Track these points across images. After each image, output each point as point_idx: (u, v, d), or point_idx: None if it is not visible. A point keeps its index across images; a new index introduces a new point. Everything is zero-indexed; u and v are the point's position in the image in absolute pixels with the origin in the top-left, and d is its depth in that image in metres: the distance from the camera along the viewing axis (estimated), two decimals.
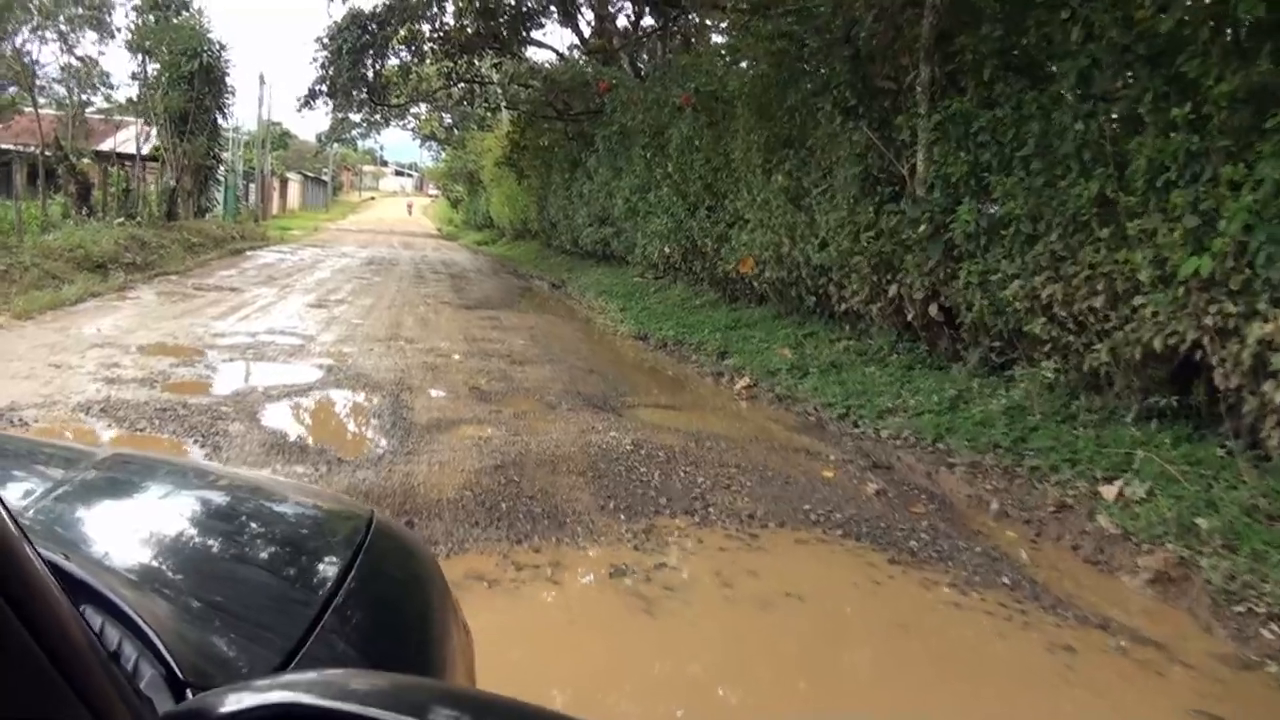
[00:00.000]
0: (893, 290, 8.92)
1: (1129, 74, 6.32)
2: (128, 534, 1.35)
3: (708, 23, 18.45)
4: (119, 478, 1.61)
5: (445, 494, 5.05)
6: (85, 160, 23.50)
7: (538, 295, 18.74)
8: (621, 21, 23.98)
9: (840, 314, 10.18)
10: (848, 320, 10.16)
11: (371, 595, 1.35)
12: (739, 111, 11.89)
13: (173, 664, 0.91)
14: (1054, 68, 7.11)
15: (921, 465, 6.35)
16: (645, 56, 23.75)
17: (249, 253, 24.39)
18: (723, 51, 12.87)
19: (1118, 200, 6.22)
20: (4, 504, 0.70)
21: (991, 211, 7.43)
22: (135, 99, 27.52)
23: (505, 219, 34.88)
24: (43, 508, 1.33)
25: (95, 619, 0.93)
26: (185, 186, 27.74)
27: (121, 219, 22.17)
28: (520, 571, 4.15)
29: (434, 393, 7.82)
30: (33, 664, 0.68)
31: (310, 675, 0.95)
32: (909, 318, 8.94)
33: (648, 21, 24.77)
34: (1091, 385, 6.93)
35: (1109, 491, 5.56)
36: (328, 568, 1.36)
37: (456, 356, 9.72)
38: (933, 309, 8.68)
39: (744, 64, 12.06)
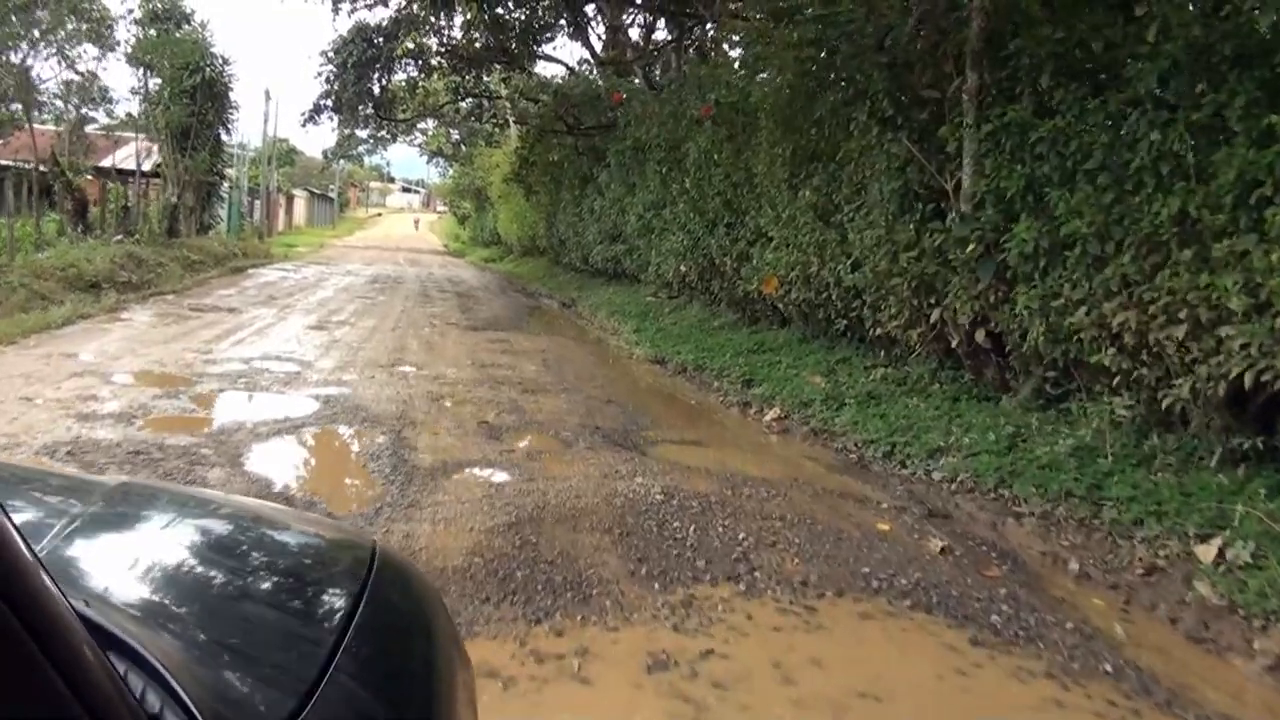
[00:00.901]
0: (935, 315, 8.24)
1: (1212, 78, 5.67)
2: (140, 571, 1.33)
3: (727, 34, 17.84)
4: (128, 512, 1.60)
5: (451, 560, 4.37)
6: (82, 176, 22.90)
7: (548, 315, 18.10)
8: (635, 34, 23.36)
9: (874, 339, 9.50)
10: (882, 345, 9.49)
11: (380, 630, 1.35)
12: (762, 124, 11.25)
13: (195, 713, 0.90)
14: (1121, 72, 6.46)
15: (984, 515, 5.67)
16: (658, 70, 23.18)
17: (251, 271, 23.77)
18: (746, 60, 12.20)
19: (1201, 219, 5.55)
20: (42, 563, 0.71)
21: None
22: (134, 114, 26.99)
23: (513, 235, 34.28)
24: (56, 547, 1.31)
25: (119, 665, 0.89)
26: (187, 203, 27.19)
27: (119, 236, 21.62)
28: (541, 665, 3.46)
29: (439, 428, 7.14)
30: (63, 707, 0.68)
31: None
32: (953, 344, 8.27)
33: (661, 35, 24.26)
34: (1164, 423, 6.26)
35: (1205, 552, 4.87)
36: (336, 603, 1.37)
37: (464, 385, 9.07)
38: (980, 335, 8.00)
39: (766, 74, 11.41)
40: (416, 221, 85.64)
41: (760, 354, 10.77)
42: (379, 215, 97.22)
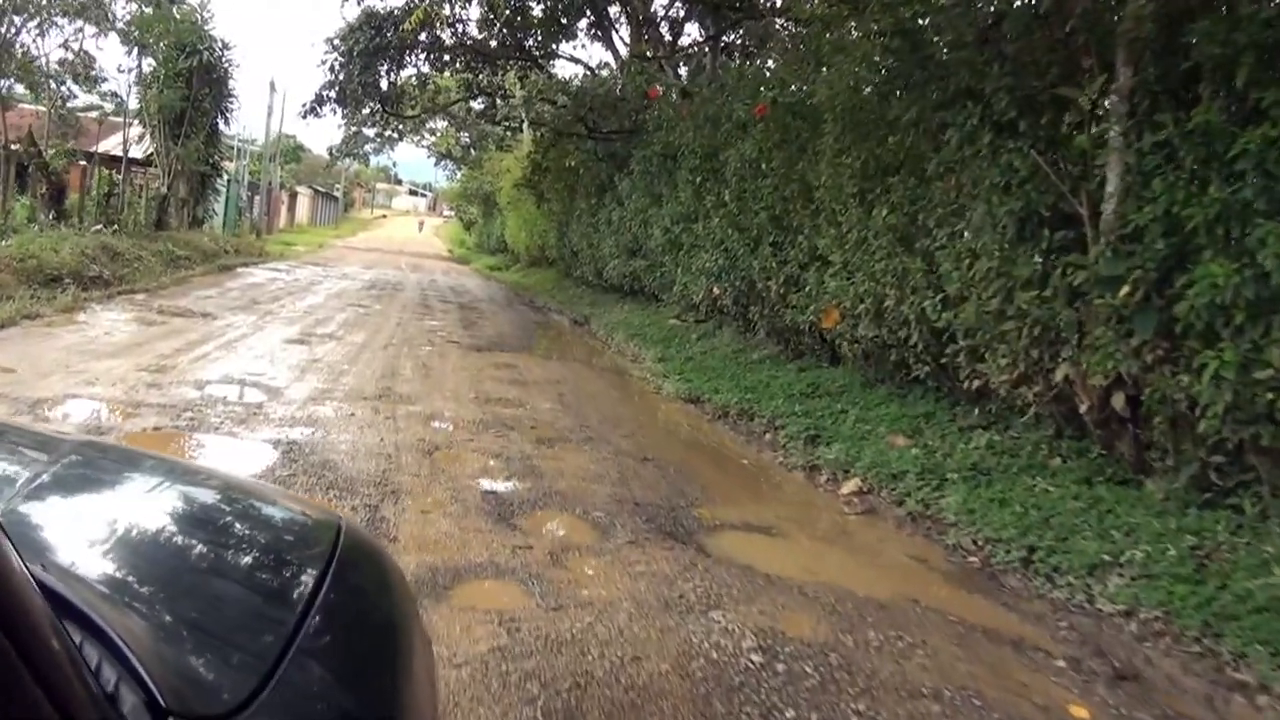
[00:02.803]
0: (1061, 371, 6.56)
1: None
2: (100, 540, 1.31)
3: (786, 23, 16.20)
4: (89, 475, 1.57)
5: None
6: (60, 158, 21.21)
7: (559, 334, 16.39)
8: (664, 32, 21.67)
9: (967, 392, 7.81)
10: (976, 400, 7.80)
11: (343, 610, 1.34)
12: (826, 128, 9.56)
13: (154, 690, 0.88)
14: None
15: (1192, 681, 3.96)
16: (686, 72, 21.53)
17: (240, 270, 22.09)
18: (809, 54, 10.53)
19: None
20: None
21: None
22: (116, 93, 25.37)
23: (521, 244, 32.61)
24: (13, 509, 1.28)
25: (75, 635, 0.88)
26: (179, 194, 25.60)
27: (99, 226, 19.98)
28: None
29: (431, 502, 5.36)
30: (26, 695, 0.67)
31: None
32: (1080, 409, 6.58)
33: (687, 38, 22.60)
34: None
35: None
36: (300, 580, 1.36)
37: (465, 429, 7.36)
38: (1117, 400, 6.32)
39: (833, 71, 9.72)
40: (421, 224, 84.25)
41: (816, 399, 9.08)
42: (384, 217, 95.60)
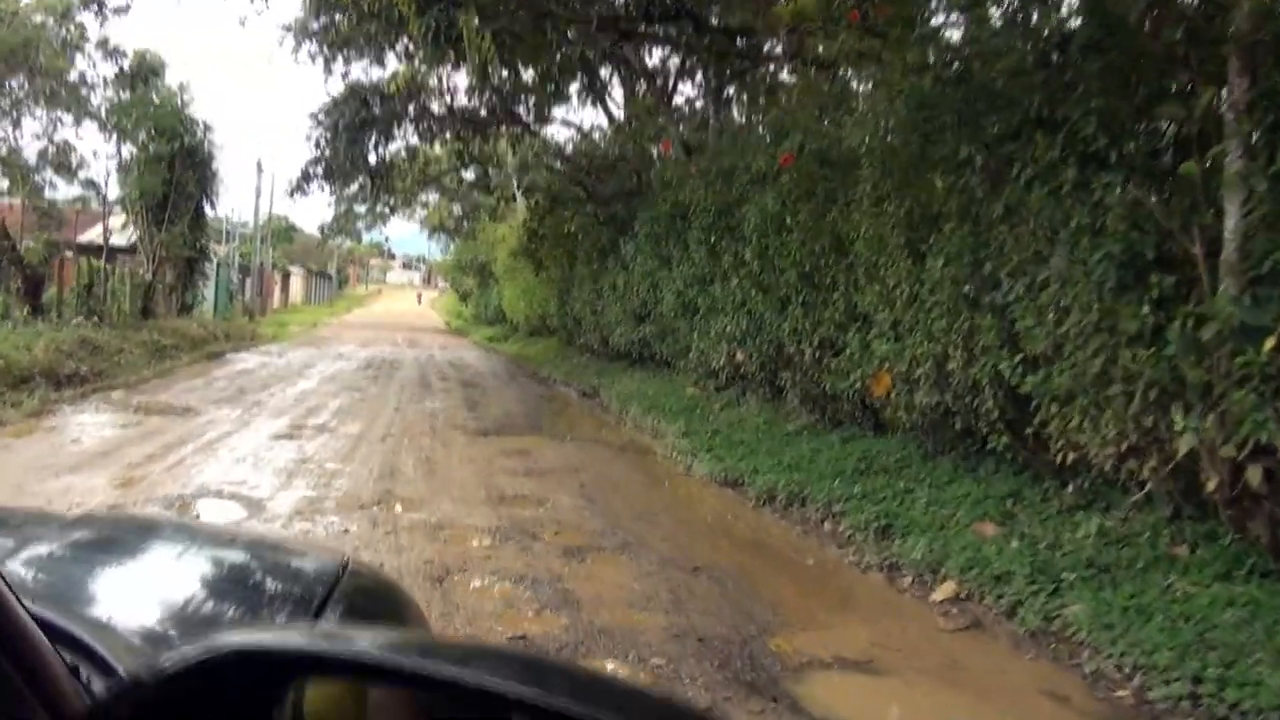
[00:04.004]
0: (1184, 442, 5.50)
1: None
2: (101, 586, 1.34)
3: (789, 76, 15.34)
4: (93, 535, 1.60)
5: None
6: (35, 251, 20.30)
7: (569, 409, 15.34)
8: (663, 90, 20.85)
9: (1054, 465, 6.75)
10: (1064, 474, 6.74)
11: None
12: (864, 174, 8.60)
13: (109, 661, 0.90)
14: None
15: None
16: (683, 129, 20.69)
17: (229, 356, 21.08)
18: (839, 94, 9.62)
19: None
20: None
21: None
22: (94, 180, 24.62)
23: (519, 314, 31.62)
24: (12, 564, 1.28)
25: (68, 656, 0.88)
26: (166, 281, 24.69)
27: (80, 318, 19.01)
28: None
29: None
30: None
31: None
32: (1209, 485, 5.52)
33: (681, 95, 21.79)
34: None
35: None
36: (304, 605, 1.35)
37: (478, 541, 6.27)
38: (1254, 475, 5.26)
39: (866, 110, 8.79)
40: (419, 296, 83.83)
41: (872, 477, 8.01)
42: (379, 292, 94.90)
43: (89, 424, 10.53)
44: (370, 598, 1.54)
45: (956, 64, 7.60)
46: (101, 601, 1.27)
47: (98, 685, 0.87)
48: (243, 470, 8.20)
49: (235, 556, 1.65)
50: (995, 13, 7.58)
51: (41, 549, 1.42)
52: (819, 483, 8.01)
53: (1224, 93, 5.47)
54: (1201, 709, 4.03)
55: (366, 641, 0.90)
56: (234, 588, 1.48)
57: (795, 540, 6.96)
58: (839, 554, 6.50)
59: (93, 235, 27.03)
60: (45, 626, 0.84)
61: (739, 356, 12.07)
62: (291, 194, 23.50)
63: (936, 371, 7.59)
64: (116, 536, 1.67)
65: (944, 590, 5.57)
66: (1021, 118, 6.74)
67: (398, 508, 7.10)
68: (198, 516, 6.53)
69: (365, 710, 0.89)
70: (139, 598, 1.30)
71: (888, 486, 7.61)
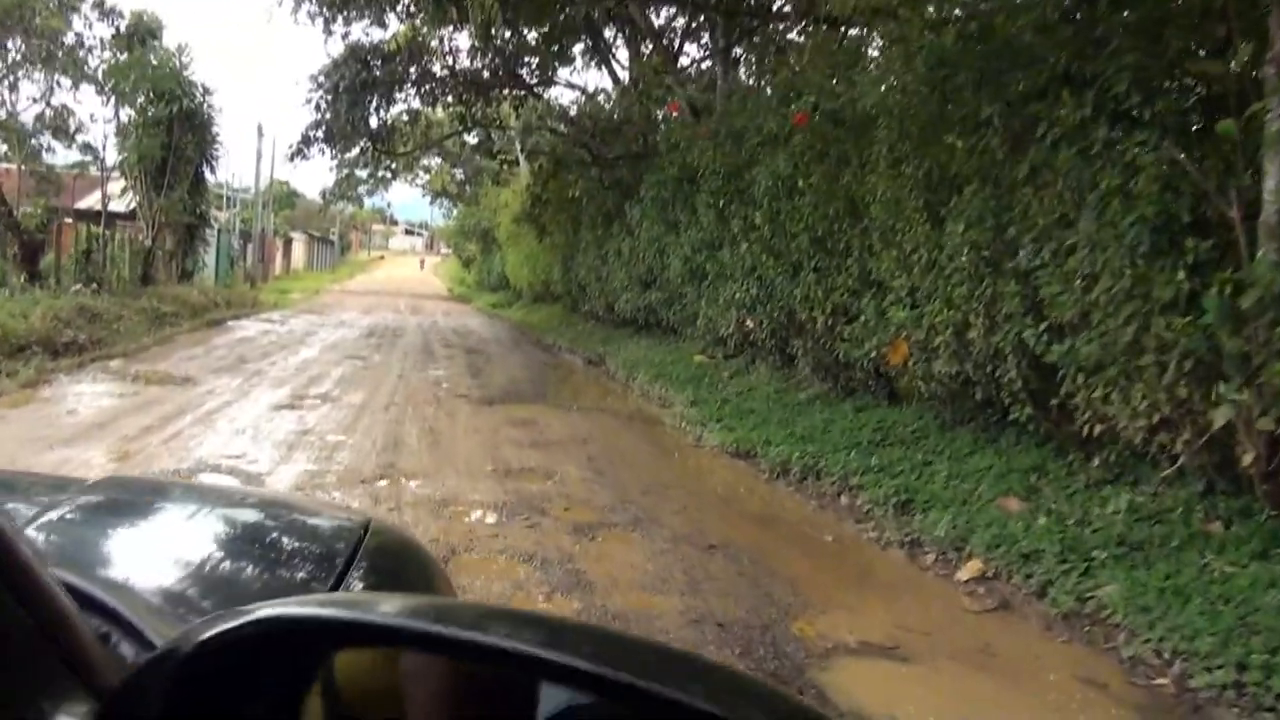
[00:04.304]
0: (1220, 414, 5.26)
1: None
2: (124, 551, 1.35)
3: (801, 34, 14.95)
4: (114, 499, 1.60)
5: None
6: (32, 217, 20.02)
7: (574, 377, 15.10)
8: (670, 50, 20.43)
9: (1080, 437, 6.52)
10: (1089, 446, 6.50)
11: (370, 587, 1.35)
12: (880, 134, 8.31)
13: (146, 633, 0.90)
14: None
15: None
16: (690, 90, 20.32)
17: (230, 323, 20.84)
18: (854, 50, 9.29)
19: None
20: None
21: None
22: (91, 144, 24.29)
23: (523, 280, 31.29)
24: (36, 528, 1.28)
25: (96, 622, 0.90)
26: (165, 247, 24.39)
27: (79, 285, 18.76)
28: None
29: None
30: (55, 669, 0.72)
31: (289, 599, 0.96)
32: (1245, 459, 5.29)
33: (687, 56, 21.38)
34: None
35: None
36: (327, 566, 1.35)
37: (486, 517, 6.07)
38: None
39: (884, 68, 8.49)
40: (422, 262, 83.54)
41: (889, 448, 7.79)
42: (381, 258, 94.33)
43: (86, 394, 10.31)
44: (394, 559, 1.54)
45: (977, 20, 7.32)
46: (124, 567, 1.27)
47: (127, 652, 0.88)
48: (242, 443, 7.98)
49: (258, 519, 1.65)
50: None
51: (63, 514, 1.39)
52: (834, 454, 7.79)
53: (1266, 48, 5.21)
54: (1247, 698, 3.82)
55: (397, 607, 0.89)
56: (258, 551, 1.47)
57: (811, 515, 6.74)
58: (857, 530, 6.28)
59: (91, 201, 26.73)
60: (72, 593, 0.83)
61: (749, 323, 11.83)
62: (292, 158, 23.19)
63: (956, 340, 7.35)
64: (137, 500, 1.65)
65: (969, 569, 5.35)
66: (1048, 75, 6.47)
67: (401, 481, 6.89)
68: None
69: (397, 677, 0.87)
70: (162, 562, 1.30)
71: (905, 459, 7.38)
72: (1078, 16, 6.62)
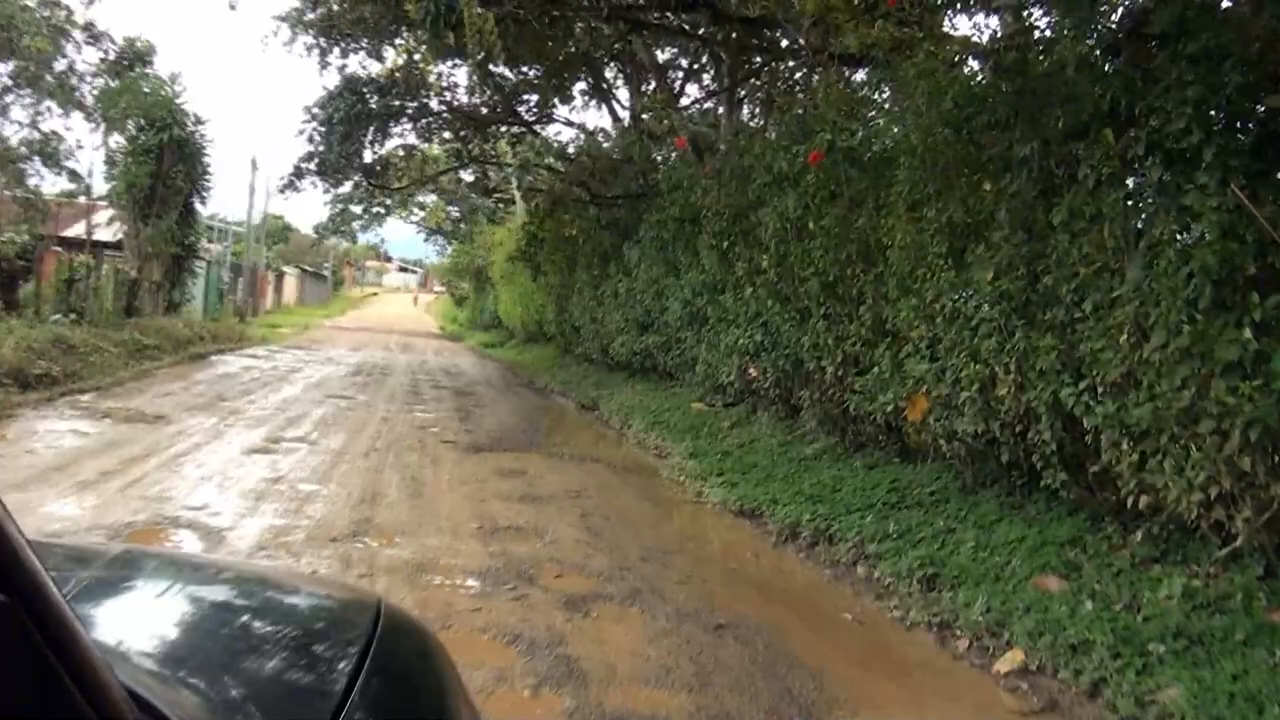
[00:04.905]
0: None
1: None
2: (145, 629, 1.32)
3: (810, 71, 14.46)
4: (132, 574, 1.60)
5: None
6: (10, 244, 19.47)
7: (567, 423, 14.50)
8: (669, 88, 20.02)
9: (1120, 506, 5.96)
10: (1124, 516, 5.94)
11: (388, 684, 1.33)
12: (901, 175, 7.80)
13: None
14: None
15: None
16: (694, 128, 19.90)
17: (214, 358, 20.26)
18: (873, 85, 8.80)
19: None
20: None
21: None
22: (76, 171, 23.85)
23: (516, 319, 30.77)
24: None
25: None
26: (152, 278, 23.80)
27: (58, 315, 18.18)
28: None
29: None
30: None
31: None
32: None
33: (688, 97, 20.99)
34: None
35: None
36: (345, 657, 1.33)
37: (468, 588, 5.44)
38: None
39: (907, 104, 7.97)
40: (415, 299, 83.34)
41: (906, 511, 7.21)
42: (374, 294, 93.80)
43: (49, 432, 9.68)
44: (407, 650, 1.51)
45: (1012, 53, 6.82)
46: (147, 650, 1.22)
47: None
48: (206, 492, 7.36)
49: (276, 603, 1.62)
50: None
51: (89, 597, 1.35)
52: (847, 517, 7.21)
53: None
54: None
55: None
56: (279, 638, 1.44)
57: (827, 588, 6.13)
58: (879, 607, 5.66)
59: (79, 230, 26.24)
60: (135, 700, 0.83)
61: (752, 371, 11.29)
62: (284, 190, 22.74)
63: (982, 397, 6.78)
64: (158, 579, 1.61)
65: (1009, 659, 4.75)
66: (1090, 112, 5.96)
67: (376, 542, 6.27)
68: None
69: None
70: (181, 643, 1.30)
71: (925, 524, 6.80)
72: (1120, 50, 6.14)
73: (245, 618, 1.52)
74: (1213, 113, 5.17)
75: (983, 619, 5.12)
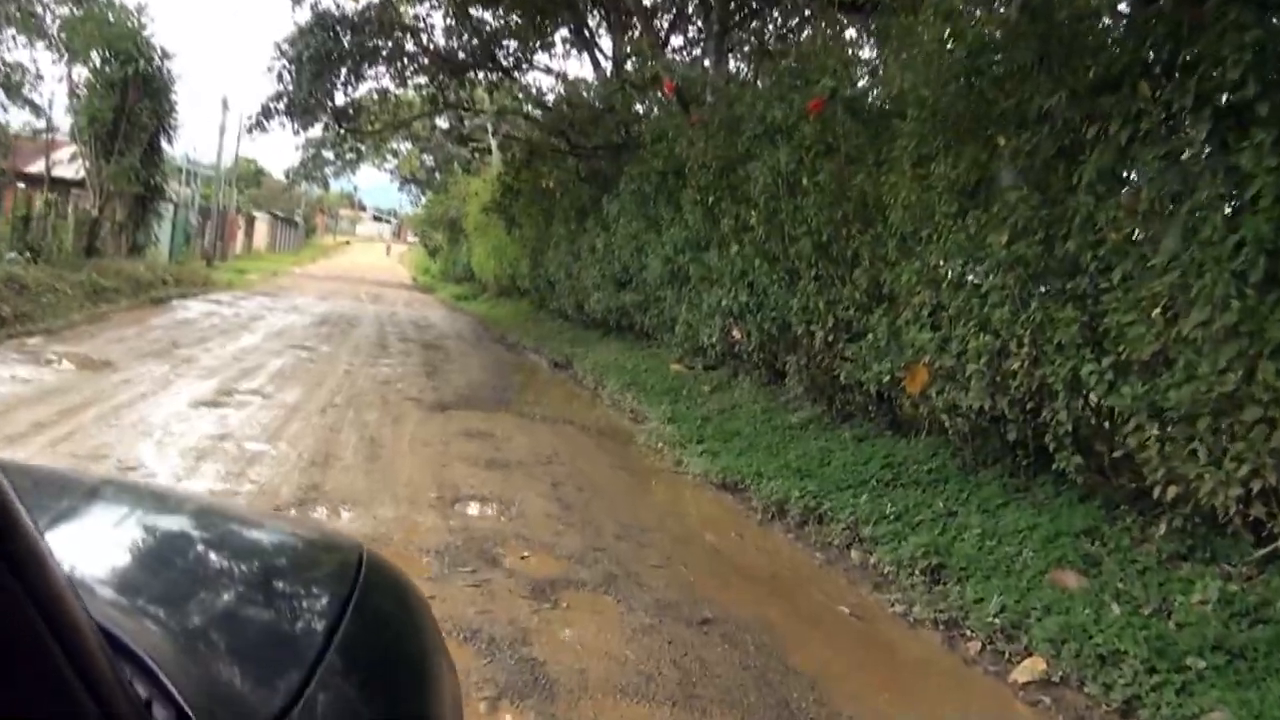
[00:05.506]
0: None
1: None
2: (123, 567, 1.30)
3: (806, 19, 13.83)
4: (111, 507, 1.52)
5: None
6: None
7: (539, 381, 13.91)
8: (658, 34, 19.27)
9: (1135, 495, 5.48)
10: (1145, 503, 5.46)
11: (369, 632, 1.30)
12: (908, 128, 7.22)
13: (182, 704, 0.87)
14: None
15: None
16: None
17: (175, 302, 19.52)
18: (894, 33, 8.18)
19: None
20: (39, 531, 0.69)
21: None
22: (35, 102, 22.97)
23: (489, 272, 30.00)
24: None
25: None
26: (115, 218, 22.94)
27: (13, 254, 17.40)
28: None
29: None
30: (81, 706, 0.68)
31: None
32: None
33: (671, 48, 20.25)
34: None
35: None
36: (326, 603, 1.33)
37: (425, 569, 4.85)
38: None
39: (917, 51, 7.37)
40: (388, 249, 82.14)
41: (901, 491, 6.70)
42: (347, 243, 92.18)
43: None
44: (388, 600, 1.45)
45: None
46: (124, 590, 1.19)
47: (160, 715, 0.84)
48: (144, 449, 6.75)
49: (258, 545, 1.58)
50: None
51: (67, 529, 1.29)
52: (838, 494, 6.69)
53: None
54: None
55: None
56: (260, 584, 1.39)
57: (819, 574, 5.61)
58: (879, 600, 5.14)
59: (42, 166, 25.34)
60: (108, 638, 0.79)
61: (735, 333, 10.74)
62: (250, 130, 21.82)
63: (991, 370, 6.26)
64: (139, 515, 1.51)
65: (1028, 668, 4.24)
66: (1127, 61, 5.41)
67: (325, 509, 5.70)
68: None
69: None
70: (169, 594, 1.22)
71: (924, 505, 6.29)
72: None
73: (229, 558, 1.46)
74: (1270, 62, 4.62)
75: (997, 620, 4.60)
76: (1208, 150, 4.84)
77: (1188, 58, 4.97)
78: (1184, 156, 4.99)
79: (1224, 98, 4.73)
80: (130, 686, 0.80)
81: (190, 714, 0.86)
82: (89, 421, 7.44)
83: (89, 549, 1.28)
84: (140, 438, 7.09)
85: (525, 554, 5.23)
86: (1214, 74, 4.75)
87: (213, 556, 1.46)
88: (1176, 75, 5.12)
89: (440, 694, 1.36)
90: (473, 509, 6.10)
